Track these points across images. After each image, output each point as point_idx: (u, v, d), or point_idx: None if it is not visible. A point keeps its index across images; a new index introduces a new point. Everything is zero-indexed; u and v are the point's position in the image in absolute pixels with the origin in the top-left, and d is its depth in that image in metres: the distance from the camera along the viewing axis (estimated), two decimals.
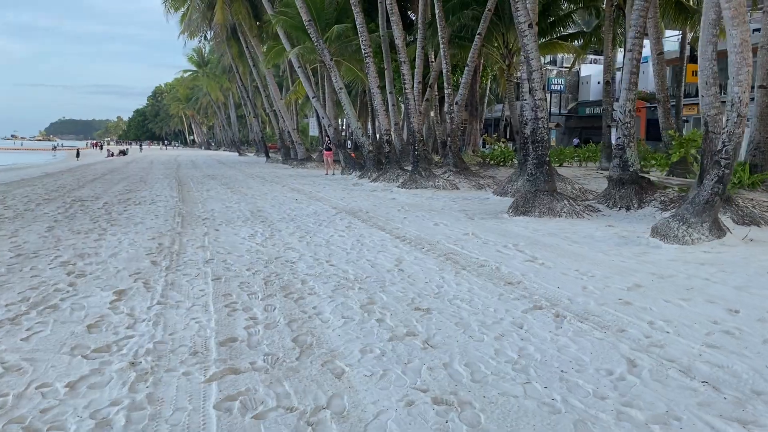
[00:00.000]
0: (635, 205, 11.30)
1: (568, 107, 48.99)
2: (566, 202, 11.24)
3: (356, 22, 19.30)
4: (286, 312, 5.30)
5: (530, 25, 11.20)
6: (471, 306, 5.47)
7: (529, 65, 11.18)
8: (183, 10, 35.50)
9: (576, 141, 41.66)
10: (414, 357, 4.21)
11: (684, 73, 26.76)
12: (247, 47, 36.55)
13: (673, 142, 12.84)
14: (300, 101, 46.08)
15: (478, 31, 19.53)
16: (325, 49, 21.71)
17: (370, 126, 51.93)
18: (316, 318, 5.14)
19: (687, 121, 36.21)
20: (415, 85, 17.79)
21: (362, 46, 19.41)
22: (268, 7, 26.09)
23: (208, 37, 46.01)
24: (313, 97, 25.28)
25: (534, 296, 5.81)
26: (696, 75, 29.27)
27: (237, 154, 63.64)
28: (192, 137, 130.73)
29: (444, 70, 18.52)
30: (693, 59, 27.59)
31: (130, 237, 9.25)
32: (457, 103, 18.86)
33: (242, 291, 6.04)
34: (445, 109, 19.11)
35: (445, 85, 18.54)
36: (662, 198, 11.18)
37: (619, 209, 11.42)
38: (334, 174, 25.46)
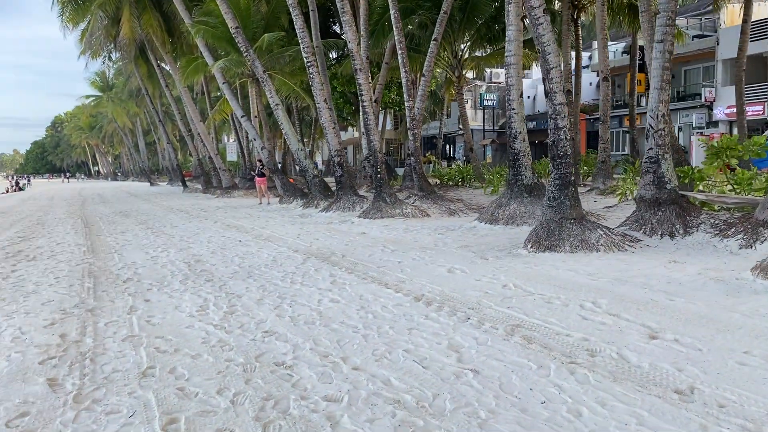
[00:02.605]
0: (680, 231, 9.09)
1: (500, 123, 47.83)
2: (601, 232, 8.89)
3: (296, 26, 16.52)
4: None
5: (545, 11, 8.86)
6: None
7: (546, 61, 8.82)
8: (83, 26, 31.46)
9: None
10: None
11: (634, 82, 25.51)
12: (158, 66, 32.91)
13: (705, 152, 10.82)
14: (217, 124, 42.56)
15: (433, 37, 17.26)
16: (256, 60, 18.78)
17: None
18: None
19: (628, 132, 35.51)
20: (373, 96, 15.15)
21: (304, 54, 16.63)
22: (186, 17, 22.85)
23: (113, 57, 41.87)
24: (242, 116, 22.19)
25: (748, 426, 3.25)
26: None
27: (149, 184, 58.81)
28: (97, 168, 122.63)
29: (404, 79, 16.03)
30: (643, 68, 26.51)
31: (15, 323, 6.07)
32: (415, 118, 16.40)
33: None
34: (407, 124, 16.61)
35: (406, 96, 16.04)
36: (713, 221, 9.03)
37: (661, 237, 9.18)
38: (269, 203, 22.40)
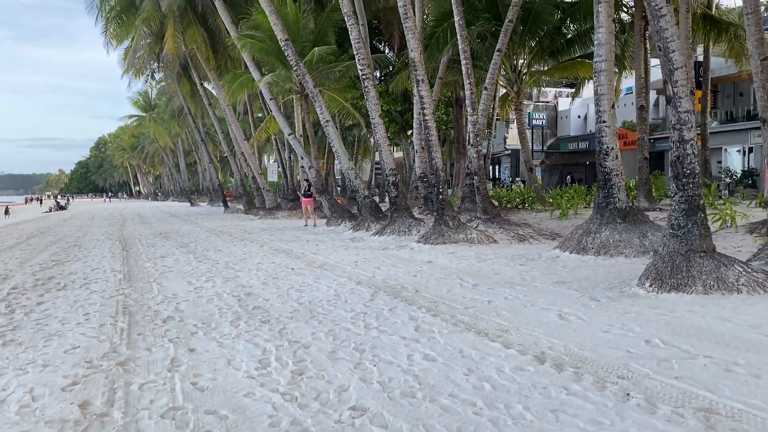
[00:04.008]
0: None
1: (548, 143, 46.04)
2: (739, 268, 7.24)
3: (351, 37, 15.30)
4: None
5: (668, 1, 7.35)
6: None
7: (669, 60, 7.29)
8: (126, 44, 30.99)
9: (569, 179, 38.39)
10: None
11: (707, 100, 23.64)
12: (201, 83, 32.23)
13: None
14: (260, 144, 41.75)
15: (497, 48, 15.91)
16: (306, 74, 17.62)
17: (338, 167, 47.87)
18: None
19: None
20: (432, 110, 13.73)
21: (359, 66, 15.37)
22: (232, 30, 21.93)
23: (156, 77, 41.60)
24: (289, 134, 21.06)
25: None
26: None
27: (189, 204, 58.42)
28: (138, 188, 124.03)
29: (468, 92, 14.60)
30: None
31: (27, 382, 4.75)
32: (479, 134, 14.93)
33: None
34: (470, 140, 15.15)
35: (469, 110, 14.59)
36: None
37: None
38: (315, 225, 21.11)
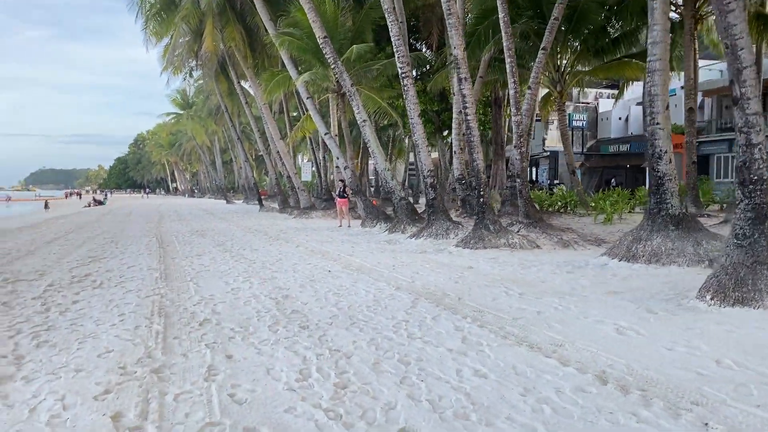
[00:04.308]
0: None
1: (588, 145, 45.07)
2: None
3: (391, 34, 14.98)
4: None
5: None
6: None
7: (738, 58, 6.81)
8: (166, 41, 31.21)
9: (614, 182, 37.42)
10: None
11: None
12: (238, 82, 32.31)
13: None
14: (295, 143, 41.76)
15: (542, 46, 15.46)
16: (344, 72, 17.38)
17: (372, 169, 47.53)
18: None
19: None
20: (474, 110, 13.31)
21: (399, 64, 15.05)
22: (270, 28, 21.84)
23: (194, 74, 41.94)
24: (325, 134, 20.86)
25: None
26: None
27: (224, 201, 58.89)
28: (175, 184, 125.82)
29: (512, 90, 14.17)
30: None
31: (59, 388, 4.56)
32: (522, 134, 14.49)
33: None
34: (514, 141, 14.71)
35: (513, 110, 14.17)
36: None
37: None
38: (350, 226, 20.87)
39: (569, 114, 42.32)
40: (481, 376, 4.71)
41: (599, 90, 46.14)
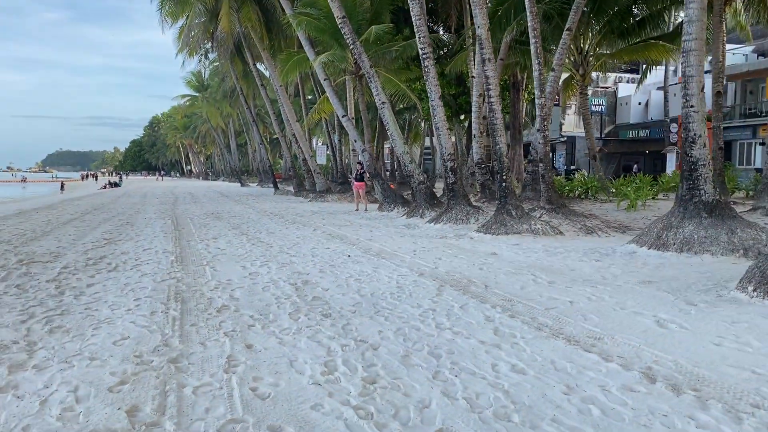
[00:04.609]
0: None
1: (606, 131, 44.32)
2: None
3: (412, 14, 14.58)
4: None
5: None
6: None
7: None
8: (181, 23, 30.90)
9: (636, 168, 36.75)
10: None
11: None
12: (254, 63, 31.96)
13: None
14: (310, 126, 41.40)
15: (567, 26, 14.94)
16: (363, 53, 16.99)
17: (388, 152, 47.16)
18: None
19: (763, 143, 31.56)
20: (498, 92, 12.84)
21: (420, 45, 14.63)
22: (287, 7, 21.43)
23: (209, 57, 41.62)
24: (343, 116, 20.51)
25: None
26: None
27: (239, 184, 58.79)
28: (189, 167, 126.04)
29: (536, 72, 13.71)
30: None
31: (72, 378, 4.31)
32: (546, 117, 14.05)
33: None
34: (537, 125, 14.30)
35: (537, 92, 13.72)
36: None
37: None
38: (366, 210, 20.58)
39: (588, 98, 41.60)
40: (518, 371, 4.41)
41: (619, 74, 45.29)
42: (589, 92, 43.46)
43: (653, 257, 9.48)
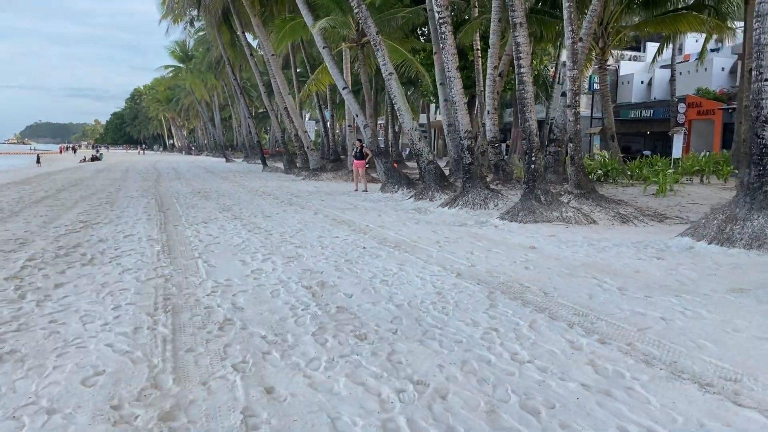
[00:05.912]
0: None
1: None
2: None
3: None
4: None
5: None
6: None
7: None
8: None
9: (648, 153, 35.42)
10: None
11: None
12: (242, 32, 30.12)
13: None
14: (300, 100, 39.61)
15: None
16: (369, 17, 15.42)
17: (390, 131, 45.36)
18: None
19: None
20: (529, 62, 11.39)
21: (436, 8, 13.07)
22: None
23: (195, 24, 39.57)
24: (343, 88, 18.96)
25: None
26: None
27: (224, 159, 56.85)
28: (172, 141, 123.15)
29: (568, 41, 12.25)
30: None
31: None
32: (577, 92, 12.65)
33: None
34: (566, 101, 12.91)
35: (569, 64, 12.29)
36: None
37: None
38: (366, 191, 19.15)
39: (591, 76, 40.20)
40: None
41: (620, 51, 43.86)
42: (590, 70, 42.20)
43: (719, 255, 8.19)
